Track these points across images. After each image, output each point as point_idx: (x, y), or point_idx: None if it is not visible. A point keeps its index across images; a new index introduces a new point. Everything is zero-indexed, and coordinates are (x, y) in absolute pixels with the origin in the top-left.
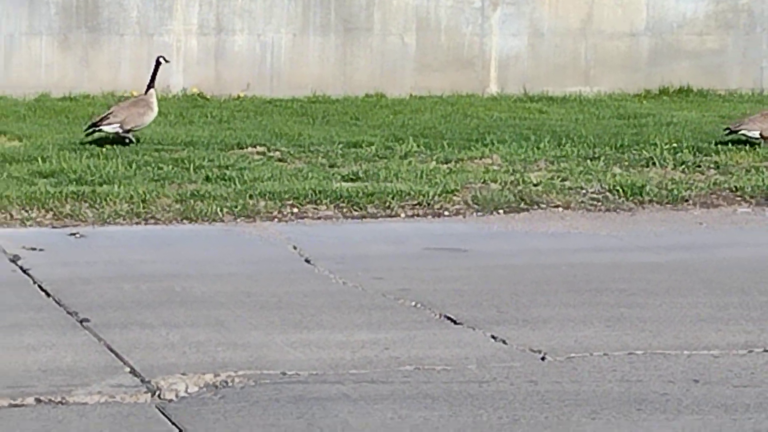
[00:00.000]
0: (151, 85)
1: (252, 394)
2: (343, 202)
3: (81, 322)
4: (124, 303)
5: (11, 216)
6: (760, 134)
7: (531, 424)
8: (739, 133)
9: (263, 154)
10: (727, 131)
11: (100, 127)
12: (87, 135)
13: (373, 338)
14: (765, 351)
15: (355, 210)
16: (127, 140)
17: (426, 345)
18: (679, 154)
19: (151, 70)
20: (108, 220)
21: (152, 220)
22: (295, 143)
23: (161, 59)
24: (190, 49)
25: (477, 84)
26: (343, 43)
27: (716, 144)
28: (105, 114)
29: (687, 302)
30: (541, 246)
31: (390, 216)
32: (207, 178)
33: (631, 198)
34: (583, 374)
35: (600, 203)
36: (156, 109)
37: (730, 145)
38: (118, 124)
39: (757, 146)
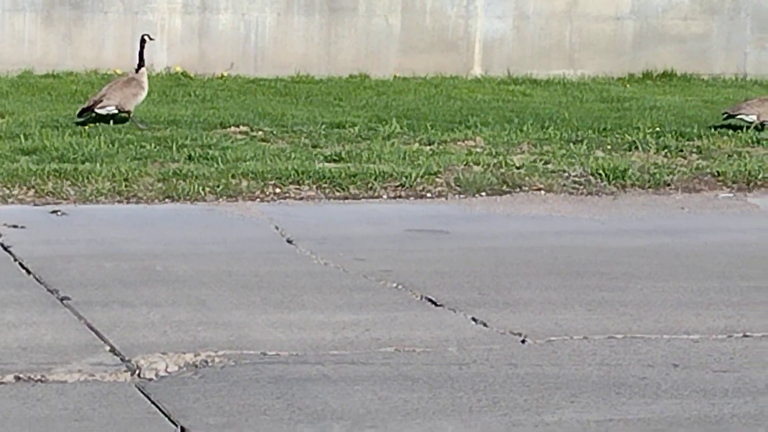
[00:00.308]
0: (141, 64)
1: (232, 374)
2: (326, 182)
3: (62, 300)
4: (105, 281)
5: None
6: (758, 118)
7: (510, 406)
8: (737, 117)
9: (246, 133)
10: (725, 115)
11: (94, 110)
12: (80, 117)
13: (354, 319)
14: (744, 336)
15: (338, 191)
16: (134, 121)
17: (407, 327)
18: (662, 139)
19: (137, 49)
20: (90, 198)
21: (134, 199)
22: (278, 123)
23: (146, 37)
24: (174, 28)
25: (461, 66)
26: (328, 23)
27: (699, 129)
28: (98, 97)
29: (668, 287)
30: (523, 229)
31: (372, 197)
32: (189, 158)
33: (613, 182)
34: (563, 357)
35: (582, 187)
36: (147, 87)
37: (713, 129)
38: (114, 107)
39: (740, 130)
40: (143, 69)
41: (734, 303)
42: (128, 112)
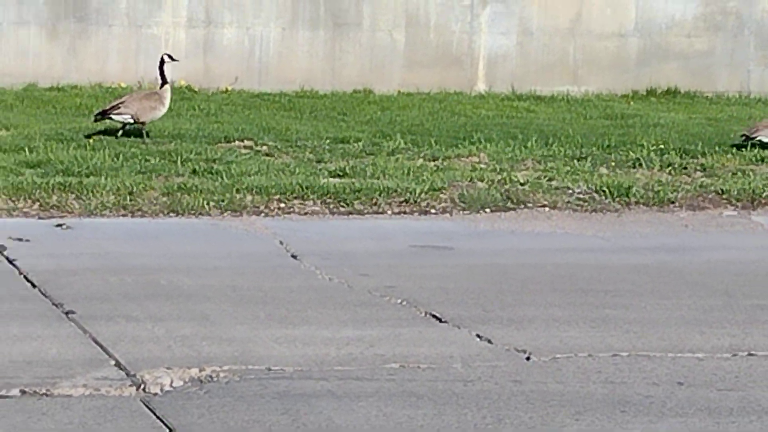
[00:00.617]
0: (164, 81)
1: (237, 389)
2: (330, 197)
3: (67, 313)
4: (109, 295)
5: None
6: None
7: (515, 424)
8: (756, 138)
9: (250, 148)
10: (743, 137)
11: (110, 115)
12: (96, 122)
13: (358, 335)
14: (749, 355)
15: (342, 206)
16: (143, 133)
17: (411, 343)
18: (666, 156)
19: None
20: (94, 212)
21: (139, 213)
22: (282, 138)
23: (165, 57)
24: (178, 42)
25: (465, 82)
26: (332, 38)
27: (703, 146)
28: (116, 103)
29: (672, 304)
30: (527, 245)
31: (376, 213)
32: (194, 172)
33: (617, 199)
34: (568, 375)
35: (586, 203)
36: (167, 104)
37: (717, 148)
38: (129, 116)
39: (744, 149)
40: (167, 86)
41: (739, 321)
42: (143, 124)
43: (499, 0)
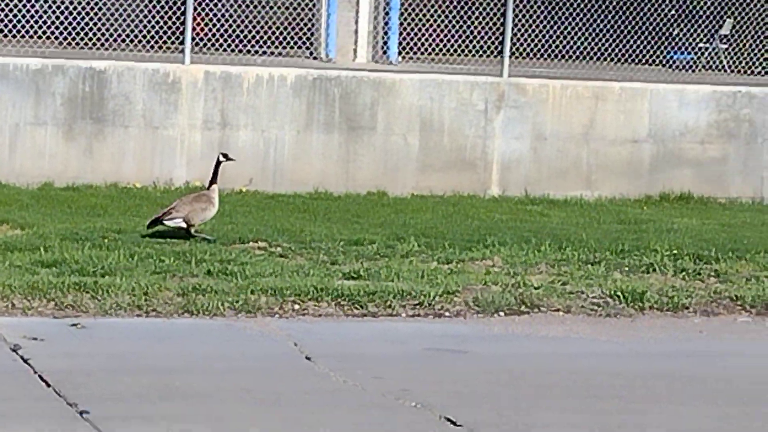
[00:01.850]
0: (213, 181)
1: None
2: (344, 299)
3: (81, 413)
4: (124, 396)
5: (13, 305)
6: None
7: None
8: None
9: (265, 249)
10: None
11: (163, 221)
12: (149, 228)
13: None
14: None
15: (356, 308)
16: (197, 237)
17: None
18: (680, 261)
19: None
20: (109, 312)
21: (153, 313)
22: (296, 239)
23: (221, 156)
24: (193, 144)
25: (479, 185)
26: (347, 141)
27: (717, 252)
28: (167, 209)
29: (688, 411)
30: (542, 350)
31: (391, 315)
32: (208, 272)
33: (631, 304)
34: None
35: (600, 308)
36: (217, 204)
37: (730, 253)
38: (181, 219)
39: (758, 254)
40: (215, 186)
41: (756, 429)
42: (193, 226)
43: (513, 105)
